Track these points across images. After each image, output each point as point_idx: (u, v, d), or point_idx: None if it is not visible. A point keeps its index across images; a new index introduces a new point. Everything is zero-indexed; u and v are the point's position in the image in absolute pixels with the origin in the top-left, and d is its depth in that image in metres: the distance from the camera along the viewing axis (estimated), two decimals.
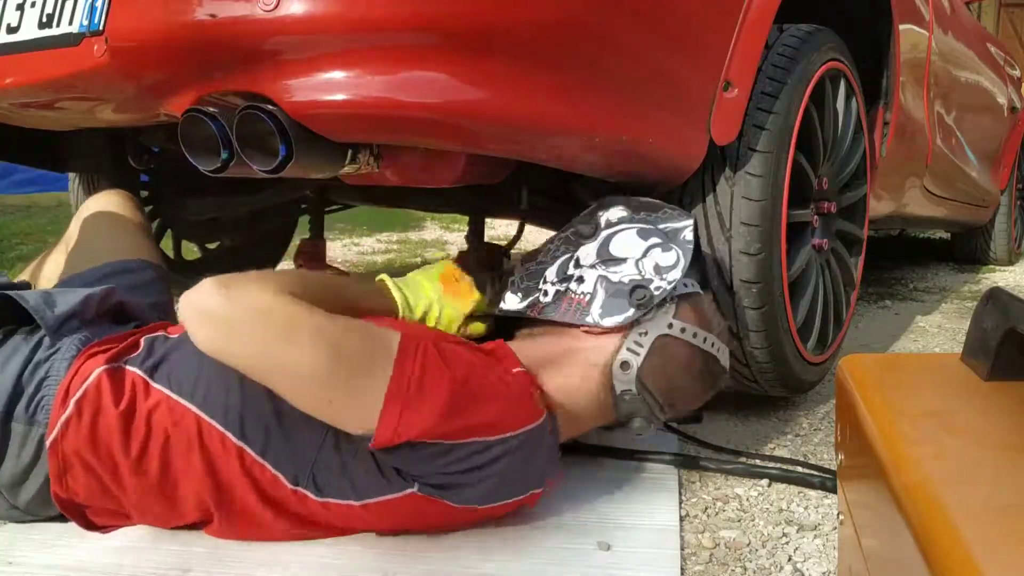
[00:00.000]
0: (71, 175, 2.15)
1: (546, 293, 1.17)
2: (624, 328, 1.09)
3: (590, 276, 1.14)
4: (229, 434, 0.97)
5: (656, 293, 1.10)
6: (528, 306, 1.17)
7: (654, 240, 1.16)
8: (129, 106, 1.15)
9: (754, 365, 1.43)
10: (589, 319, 1.10)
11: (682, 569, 0.99)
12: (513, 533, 1.05)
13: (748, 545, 1.05)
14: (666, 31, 1.21)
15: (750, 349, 1.41)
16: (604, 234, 1.20)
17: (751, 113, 1.35)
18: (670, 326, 1.10)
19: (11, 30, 1.11)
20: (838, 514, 0.74)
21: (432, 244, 4.38)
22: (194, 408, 0.98)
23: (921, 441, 0.53)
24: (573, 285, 1.15)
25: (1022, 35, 10.31)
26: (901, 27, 1.95)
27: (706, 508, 1.16)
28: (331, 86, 0.94)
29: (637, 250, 1.15)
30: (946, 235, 4.29)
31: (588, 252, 1.18)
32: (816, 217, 1.62)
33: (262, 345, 0.92)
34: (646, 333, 1.09)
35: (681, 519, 1.11)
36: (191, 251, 2.36)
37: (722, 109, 1.30)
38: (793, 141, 1.41)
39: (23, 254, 3.37)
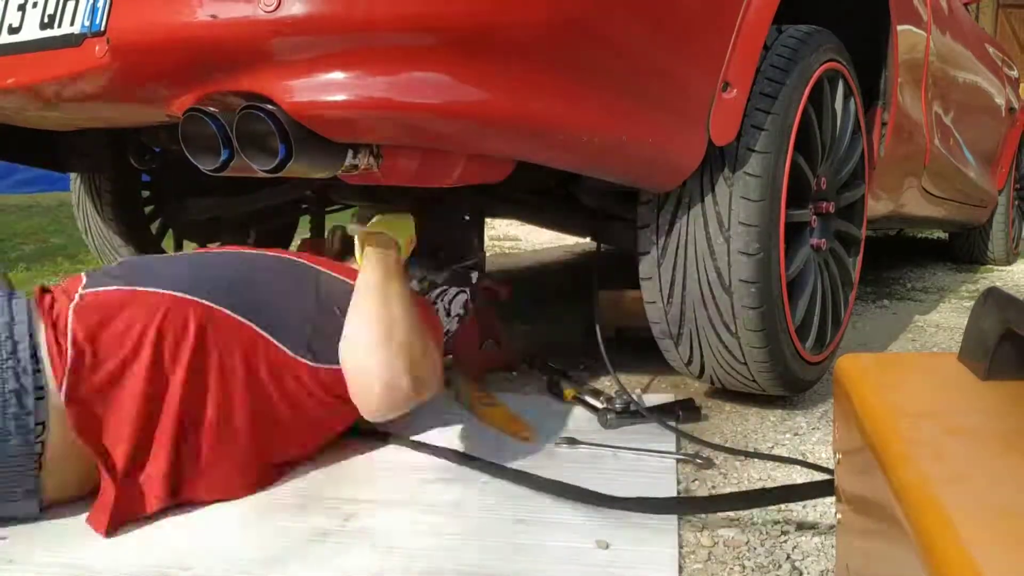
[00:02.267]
0: (73, 175, 2.16)
1: None
2: None
3: None
4: (236, 315, 1.15)
5: None
6: None
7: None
8: (130, 106, 1.16)
9: (752, 364, 1.44)
10: None
11: (680, 567, 0.99)
12: (512, 531, 1.05)
13: (747, 543, 1.05)
14: (665, 32, 1.21)
15: (748, 348, 1.41)
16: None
17: (750, 113, 1.36)
18: None
19: (13, 30, 1.12)
20: (836, 513, 0.74)
21: None
22: (203, 300, 1.13)
23: (920, 441, 0.53)
24: None
25: (1020, 36, 10.32)
26: (899, 28, 1.96)
27: None
28: (332, 87, 0.94)
29: None
30: (944, 235, 4.30)
31: None
32: (814, 217, 1.62)
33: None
34: None
35: (680, 517, 1.12)
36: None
37: (721, 109, 1.31)
38: (792, 141, 1.41)
39: (24, 254, 3.37)
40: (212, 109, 0.99)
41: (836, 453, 0.72)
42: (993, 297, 0.62)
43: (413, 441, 1.34)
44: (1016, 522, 0.42)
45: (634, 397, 1.47)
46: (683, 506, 1.13)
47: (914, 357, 0.79)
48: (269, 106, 0.96)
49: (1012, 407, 0.58)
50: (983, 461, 0.50)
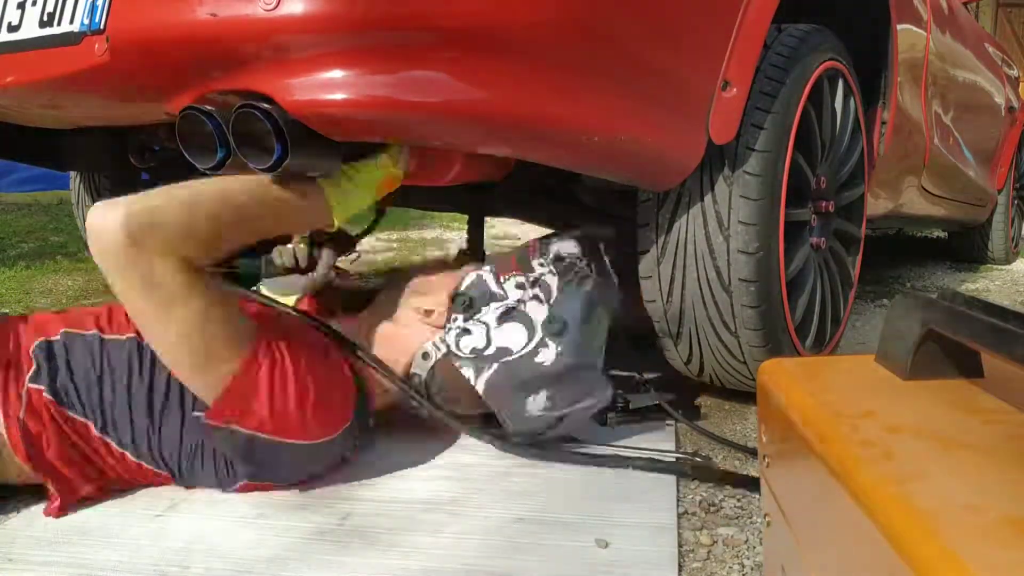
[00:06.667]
0: (72, 173, 2.16)
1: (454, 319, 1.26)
2: (440, 327, 1.25)
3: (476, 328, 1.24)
4: (113, 443, 1.12)
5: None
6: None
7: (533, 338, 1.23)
8: (130, 105, 1.16)
9: (752, 363, 1.44)
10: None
11: (680, 566, 0.99)
12: (511, 531, 1.05)
13: (746, 542, 1.06)
14: (665, 31, 1.21)
15: (748, 347, 1.41)
16: (512, 310, 1.25)
17: (749, 112, 1.36)
18: None
19: (12, 28, 1.12)
20: (764, 516, 0.74)
21: (432, 243, 4.38)
22: (92, 425, 1.11)
23: (867, 441, 0.53)
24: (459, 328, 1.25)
25: (1020, 35, 10.32)
26: (899, 27, 1.96)
27: (704, 505, 1.17)
28: (332, 85, 0.94)
29: (516, 344, 1.22)
30: (944, 234, 4.30)
31: (490, 314, 1.25)
32: (814, 216, 1.62)
33: (139, 307, 1.02)
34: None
35: (679, 516, 1.12)
36: None
37: (721, 108, 1.31)
38: (791, 140, 1.41)
39: (24, 252, 3.37)
40: (209, 108, 0.99)
41: (763, 457, 0.72)
42: (910, 300, 0.64)
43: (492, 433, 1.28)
44: (983, 516, 0.43)
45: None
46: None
47: (834, 360, 0.80)
48: (266, 105, 0.96)
49: (938, 404, 0.59)
50: (931, 459, 0.51)
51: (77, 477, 1.11)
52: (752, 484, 1.20)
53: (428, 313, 1.26)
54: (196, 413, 1.09)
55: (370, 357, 1.21)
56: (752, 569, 0.99)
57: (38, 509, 1.10)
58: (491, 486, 1.18)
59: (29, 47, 1.10)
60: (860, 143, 1.77)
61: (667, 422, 1.45)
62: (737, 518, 1.13)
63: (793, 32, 1.49)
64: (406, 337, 1.26)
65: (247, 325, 1.08)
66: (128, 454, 1.13)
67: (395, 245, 4.26)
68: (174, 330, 1.01)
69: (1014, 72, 3.83)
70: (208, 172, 1.05)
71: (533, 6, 1.00)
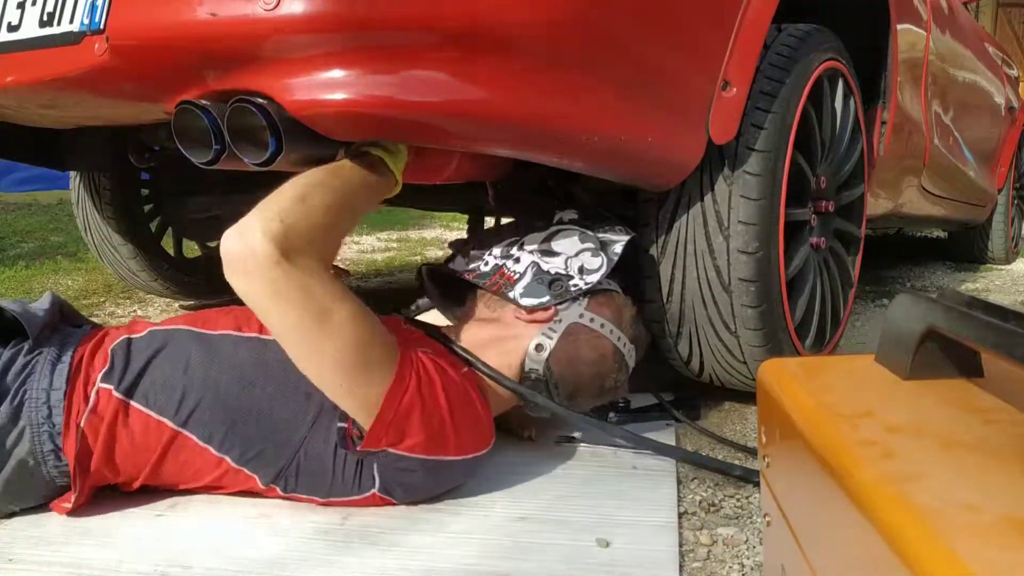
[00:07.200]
0: (72, 173, 2.16)
1: (486, 263, 1.30)
2: (545, 320, 1.22)
3: (525, 259, 1.28)
4: (210, 447, 1.07)
5: (572, 289, 1.24)
6: (468, 270, 1.29)
7: (589, 245, 1.30)
8: (130, 104, 1.16)
9: (752, 363, 1.44)
10: (511, 294, 1.23)
11: (680, 566, 0.99)
12: (512, 530, 1.06)
13: (746, 542, 1.06)
14: (665, 31, 1.21)
15: (748, 347, 1.41)
16: (552, 229, 1.33)
17: (749, 112, 1.36)
18: (580, 316, 1.23)
19: (12, 28, 1.12)
20: (764, 516, 0.74)
21: (432, 243, 4.38)
22: (174, 426, 1.06)
23: (867, 441, 0.54)
24: (509, 263, 1.28)
25: (1020, 35, 10.32)
26: (899, 27, 1.96)
27: (704, 505, 1.17)
28: (332, 85, 0.94)
29: (572, 249, 1.29)
30: (944, 234, 4.30)
31: (532, 239, 1.31)
32: (814, 216, 1.63)
33: (297, 325, 0.97)
34: (560, 321, 1.22)
35: (680, 516, 1.12)
36: (192, 249, 2.36)
37: (720, 108, 1.31)
38: (791, 140, 1.42)
39: (24, 252, 3.37)
40: (204, 102, 0.99)
41: (763, 457, 0.72)
42: (910, 300, 0.64)
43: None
44: (983, 516, 0.43)
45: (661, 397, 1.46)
46: None
47: (834, 360, 0.80)
48: (260, 100, 0.96)
49: (938, 404, 0.59)
50: (931, 458, 0.51)
51: (112, 477, 1.08)
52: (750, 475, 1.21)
53: (531, 311, 1.22)
54: (340, 424, 1.04)
55: (488, 368, 1.17)
56: (752, 569, 0.99)
57: (38, 509, 1.10)
58: (491, 485, 1.18)
59: (29, 47, 1.10)
60: (860, 143, 1.77)
61: (667, 422, 1.45)
62: (737, 518, 1.13)
63: (793, 32, 1.49)
64: (510, 340, 1.22)
65: (391, 337, 1.06)
66: (211, 449, 1.06)
67: (395, 245, 4.26)
68: (335, 340, 0.97)
69: (1014, 72, 3.83)
70: (204, 167, 1.05)
71: (533, 6, 1.00)
